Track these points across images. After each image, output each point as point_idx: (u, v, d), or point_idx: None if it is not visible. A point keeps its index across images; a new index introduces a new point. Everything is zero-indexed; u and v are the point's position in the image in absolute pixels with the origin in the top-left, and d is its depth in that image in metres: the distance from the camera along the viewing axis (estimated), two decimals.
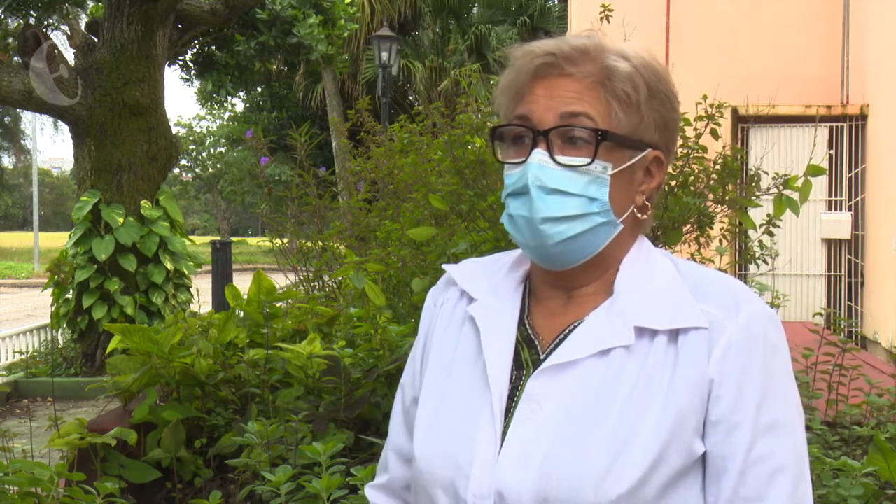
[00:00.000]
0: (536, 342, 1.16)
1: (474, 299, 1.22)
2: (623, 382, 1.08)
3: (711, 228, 3.70)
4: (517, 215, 1.13)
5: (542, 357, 1.14)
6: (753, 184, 3.73)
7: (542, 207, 1.11)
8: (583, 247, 1.13)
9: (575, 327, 1.14)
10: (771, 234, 3.63)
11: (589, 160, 1.10)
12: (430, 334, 1.27)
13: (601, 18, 3.82)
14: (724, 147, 3.76)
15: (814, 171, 3.15)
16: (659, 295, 1.13)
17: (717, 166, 3.69)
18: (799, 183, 3.20)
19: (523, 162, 1.12)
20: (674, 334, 1.10)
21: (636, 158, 1.13)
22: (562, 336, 1.15)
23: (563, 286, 1.18)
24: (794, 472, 1.08)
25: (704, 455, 1.08)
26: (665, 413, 1.06)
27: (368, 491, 1.35)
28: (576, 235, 1.11)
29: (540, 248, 1.13)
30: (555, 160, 1.11)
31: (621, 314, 1.11)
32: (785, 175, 3.30)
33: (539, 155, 1.11)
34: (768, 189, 3.47)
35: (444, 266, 1.31)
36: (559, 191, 1.11)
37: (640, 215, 1.16)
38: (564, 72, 1.12)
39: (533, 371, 1.13)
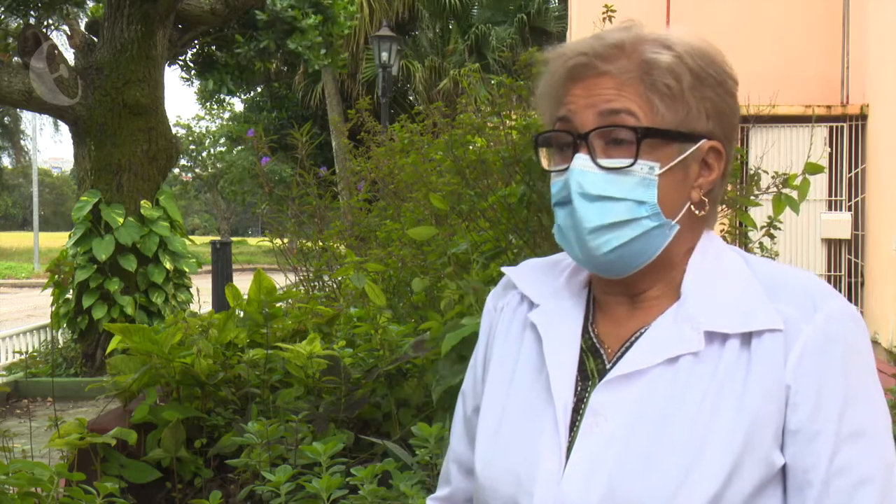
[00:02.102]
0: (602, 351, 1.10)
1: (535, 304, 1.16)
2: (693, 391, 1.01)
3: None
4: (564, 226, 1.08)
5: (607, 367, 1.08)
6: (753, 183, 3.73)
7: (587, 216, 1.05)
8: (637, 253, 1.06)
9: (641, 334, 1.08)
10: (772, 237, 3.63)
11: (631, 161, 1.04)
12: (490, 340, 1.22)
13: (604, 19, 3.82)
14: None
15: (812, 169, 3.15)
16: (730, 296, 1.05)
17: None
18: (798, 181, 3.20)
19: (566, 169, 1.06)
20: (746, 338, 1.03)
21: (688, 152, 1.06)
22: (627, 344, 1.08)
23: (624, 292, 1.11)
24: (881, 484, 1.01)
25: (785, 467, 1.02)
26: (739, 423, 0.99)
27: (430, 503, 1.29)
28: (627, 243, 1.05)
29: (591, 260, 1.07)
30: (597, 164, 1.05)
31: (689, 318, 1.05)
32: (784, 174, 3.30)
33: (580, 161, 1.05)
34: (767, 188, 3.47)
35: (504, 269, 1.24)
36: (603, 197, 1.04)
37: (697, 212, 1.09)
38: (599, 70, 1.06)
39: (598, 381, 1.07)
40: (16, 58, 8.88)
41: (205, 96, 25.53)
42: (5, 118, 36.37)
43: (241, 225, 48.98)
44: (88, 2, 10.79)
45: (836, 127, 10.05)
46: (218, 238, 17.71)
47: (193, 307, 9.08)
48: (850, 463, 1.00)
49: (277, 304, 3.62)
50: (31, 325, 10.54)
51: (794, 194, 3.19)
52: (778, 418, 1.01)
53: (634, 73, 1.05)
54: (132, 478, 3.15)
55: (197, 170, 33.83)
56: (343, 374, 3.16)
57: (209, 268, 11.76)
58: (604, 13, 3.86)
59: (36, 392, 8.74)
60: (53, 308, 9.06)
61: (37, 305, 15.74)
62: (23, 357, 9.30)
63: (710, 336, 1.03)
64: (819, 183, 10.05)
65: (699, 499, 0.97)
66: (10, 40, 10.04)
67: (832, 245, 10.11)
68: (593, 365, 1.09)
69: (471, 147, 3.70)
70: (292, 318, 3.78)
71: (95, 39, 9.02)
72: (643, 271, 1.08)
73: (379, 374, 3.14)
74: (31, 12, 9.99)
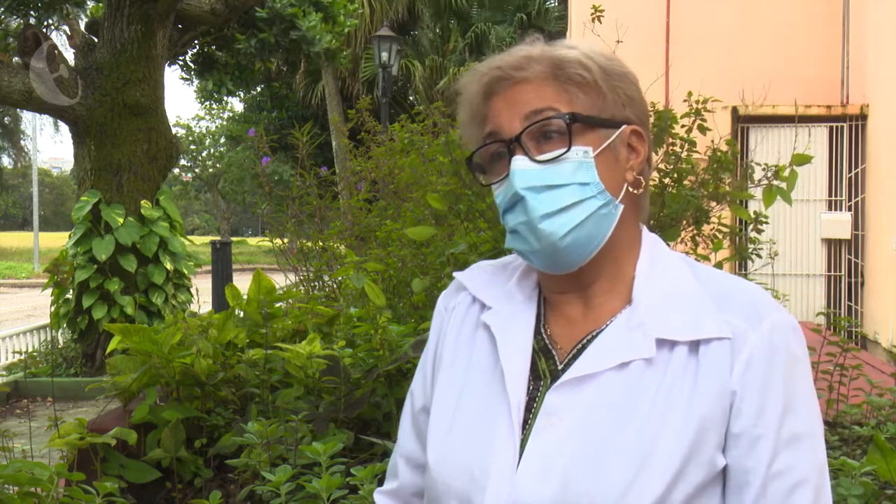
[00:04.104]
0: (554, 352, 1.14)
1: (487, 306, 1.20)
2: (643, 396, 1.06)
3: (708, 223, 3.70)
4: (516, 225, 1.11)
5: (559, 368, 1.12)
6: (747, 177, 3.74)
7: (538, 206, 1.09)
8: (589, 236, 1.10)
9: (594, 337, 1.12)
10: (759, 231, 3.63)
11: (566, 148, 1.09)
12: (441, 340, 1.25)
13: (593, 20, 3.82)
14: (712, 141, 3.76)
15: (799, 160, 3.15)
16: (680, 303, 1.10)
17: (708, 159, 3.69)
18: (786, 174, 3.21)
19: (506, 176, 1.11)
20: (694, 345, 1.07)
21: (613, 136, 1.12)
22: (580, 346, 1.12)
23: (575, 287, 1.15)
24: (815, 485, 1.07)
25: (725, 468, 1.07)
26: (686, 426, 1.04)
27: (377, 497, 1.33)
28: (579, 225, 1.09)
29: (549, 249, 1.10)
30: (535, 160, 1.10)
31: (641, 325, 1.09)
32: (775, 166, 3.31)
33: (519, 161, 1.10)
34: (759, 181, 3.48)
35: (455, 273, 1.29)
36: (548, 186, 1.09)
37: (634, 190, 1.14)
38: (515, 79, 1.11)
39: (551, 382, 1.11)
40: (16, 58, 8.88)
41: (204, 95, 25.53)
42: (5, 118, 36.38)
43: (241, 225, 48.99)
44: (88, 2, 10.79)
45: (836, 127, 10.05)
46: (218, 238, 17.71)
47: (193, 307, 9.09)
48: (789, 466, 1.06)
49: (277, 304, 3.62)
50: (31, 325, 10.55)
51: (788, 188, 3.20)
52: (722, 422, 1.05)
53: (548, 72, 1.11)
54: (132, 478, 3.16)
55: (196, 170, 33.85)
56: (343, 374, 3.16)
57: (209, 268, 11.77)
58: (592, 14, 3.86)
59: (36, 392, 8.74)
60: (53, 308, 9.06)
61: (37, 305, 15.75)
62: (23, 357, 9.30)
63: (661, 343, 1.08)
64: (819, 183, 10.06)
65: (648, 498, 1.02)
66: (10, 40, 10.04)
67: (832, 245, 10.10)
68: (545, 366, 1.13)
69: None
70: (292, 318, 3.78)
71: (95, 39, 9.02)
72: (593, 262, 1.12)
73: (379, 374, 3.14)
74: (31, 12, 9.99)
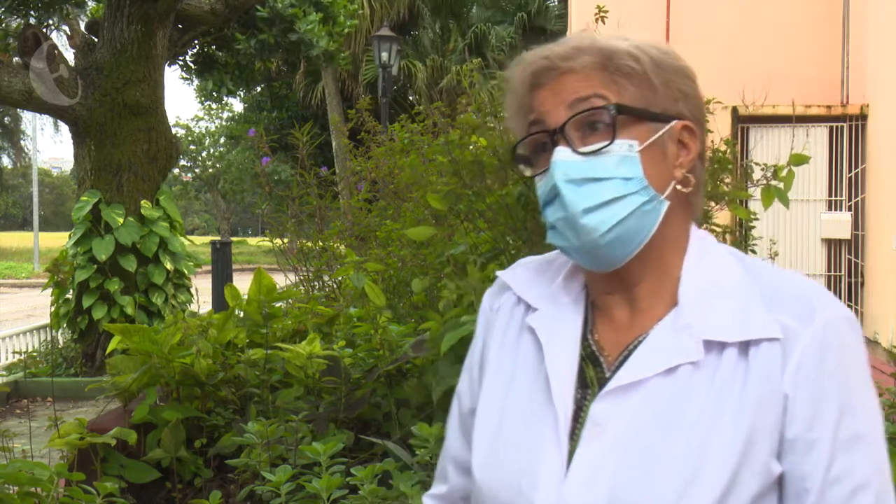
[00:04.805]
0: (601, 359, 1.10)
1: (532, 307, 1.16)
2: (691, 402, 1.01)
3: (708, 223, 3.70)
4: (556, 220, 1.07)
5: (607, 376, 1.08)
6: (746, 177, 3.73)
7: (577, 200, 1.04)
8: (632, 232, 1.05)
9: (640, 342, 1.07)
10: (748, 231, 3.63)
11: (609, 141, 1.04)
12: (486, 342, 1.21)
13: (597, 20, 3.82)
14: (712, 142, 3.76)
15: (797, 160, 3.15)
16: (727, 302, 1.05)
17: (708, 160, 3.69)
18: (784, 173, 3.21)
19: (548, 168, 1.07)
20: (744, 346, 1.02)
21: (662, 131, 1.07)
22: (626, 353, 1.08)
23: (621, 287, 1.10)
24: (877, 489, 1.01)
25: (781, 475, 1.02)
26: (737, 433, 0.99)
27: (427, 501, 1.29)
28: (621, 221, 1.04)
29: (589, 246, 1.05)
30: (578, 152, 1.05)
31: (687, 327, 1.04)
32: (773, 166, 3.31)
33: (561, 153, 1.05)
34: (757, 182, 3.47)
35: (498, 273, 1.24)
36: (589, 179, 1.04)
37: (682, 188, 1.08)
38: (562, 69, 1.07)
39: (598, 390, 1.07)
40: (16, 58, 8.88)
41: (204, 94, 25.53)
42: (5, 118, 36.38)
43: (241, 225, 48.99)
44: (88, 2, 10.79)
45: (836, 127, 10.05)
46: (218, 238, 17.71)
47: (193, 307, 9.09)
48: (847, 470, 1.01)
49: (277, 304, 3.62)
50: (31, 325, 10.54)
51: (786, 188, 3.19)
52: (775, 428, 1.01)
53: (596, 63, 1.06)
54: (132, 478, 3.15)
55: (197, 170, 33.85)
56: (343, 374, 3.16)
57: (209, 268, 11.77)
58: (596, 14, 3.86)
59: (36, 392, 8.74)
60: (53, 308, 9.06)
61: (37, 305, 15.75)
62: (23, 357, 9.30)
63: (709, 345, 1.03)
64: (819, 183, 10.06)
65: None
66: (10, 40, 10.04)
67: (832, 245, 10.10)
68: (593, 373, 1.09)
69: (470, 147, 3.70)
70: (292, 318, 3.78)
71: (95, 39, 9.01)
72: (638, 259, 1.07)
73: (379, 374, 3.14)
74: (31, 12, 9.99)
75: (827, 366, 1.01)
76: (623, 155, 1.05)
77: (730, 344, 1.02)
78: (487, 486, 1.10)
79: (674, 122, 1.08)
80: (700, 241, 1.11)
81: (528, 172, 1.14)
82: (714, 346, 1.03)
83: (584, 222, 1.04)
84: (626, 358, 1.07)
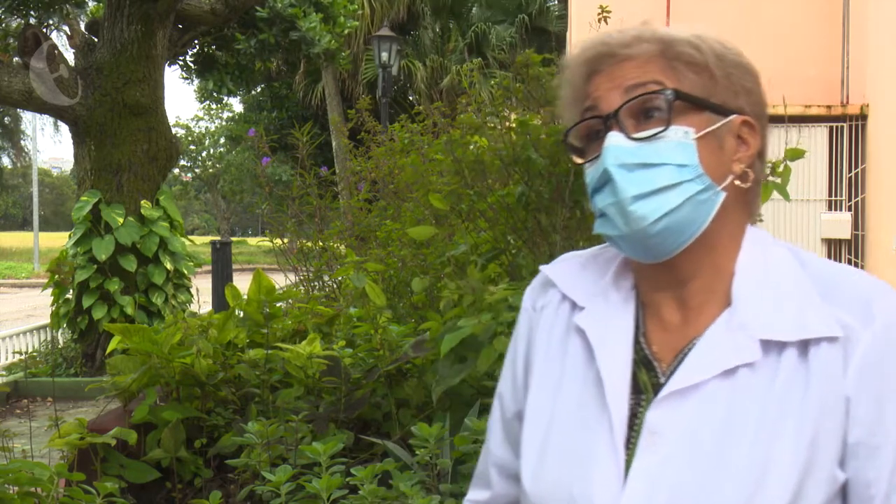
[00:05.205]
0: (655, 363, 1.04)
1: (578, 305, 1.10)
2: (751, 406, 0.96)
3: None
4: (605, 207, 1.02)
5: (661, 380, 1.02)
6: None
7: (628, 186, 0.99)
8: (685, 223, 1.00)
9: (694, 345, 1.02)
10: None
11: (664, 126, 1.00)
12: (531, 342, 1.15)
13: (599, 20, 3.82)
14: None
15: (792, 154, 3.15)
16: (784, 300, 1.00)
17: None
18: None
19: (599, 154, 1.02)
20: (804, 346, 0.97)
21: (720, 123, 1.02)
22: (681, 356, 1.03)
23: (672, 283, 1.05)
24: None
25: (845, 483, 0.97)
26: (800, 438, 0.94)
27: None
28: (674, 210, 0.99)
29: (639, 235, 1.00)
30: (631, 138, 1.01)
31: (743, 326, 0.99)
32: (770, 163, 3.31)
33: (614, 137, 1.01)
34: None
35: (542, 267, 1.18)
36: (642, 164, 1.00)
37: (740, 184, 1.03)
38: (621, 56, 1.03)
39: (653, 395, 1.02)
40: (16, 58, 8.89)
41: (204, 94, 25.55)
42: (5, 118, 36.38)
43: (241, 225, 49.00)
44: (88, 2, 10.80)
45: (836, 127, 10.05)
46: (218, 238, 17.71)
47: (193, 307, 9.09)
48: None
49: (277, 304, 3.62)
50: (31, 325, 10.54)
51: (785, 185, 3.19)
52: (838, 433, 0.96)
53: (656, 51, 1.03)
54: (132, 478, 3.15)
55: (197, 170, 33.87)
56: (343, 374, 3.16)
57: (209, 268, 11.76)
58: (599, 14, 3.85)
59: (36, 392, 8.74)
60: (53, 308, 9.06)
61: (37, 305, 15.75)
62: (23, 357, 9.30)
63: (766, 345, 0.98)
64: (819, 183, 10.06)
65: None
66: (11, 40, 10.04)
67: (832, 245, 10.11)
68: (646, 378, 1.04)
69: (471, 147, 3.70)
70: (292, 318, 3.78)
71: (95, 39, 9.02)
72: (690, 253, 1.02)
73: (379, 374, 3.14)
74: (31, 12, 9.99)
75: (889, 367, 0.97)
76: (678, 141, 1.00)
77: (788, 344, 0.98)
78: (538, 498, 1.05)
79: (733, 116, 1.04)
80: (756, 239, 1.06)
81: (578, 161, 1.09)
82: (772, 347, 0.98)
83: (633, 209, 0.99)
84: (680, 361, 1.02)
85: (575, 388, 1.06)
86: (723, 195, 1.02)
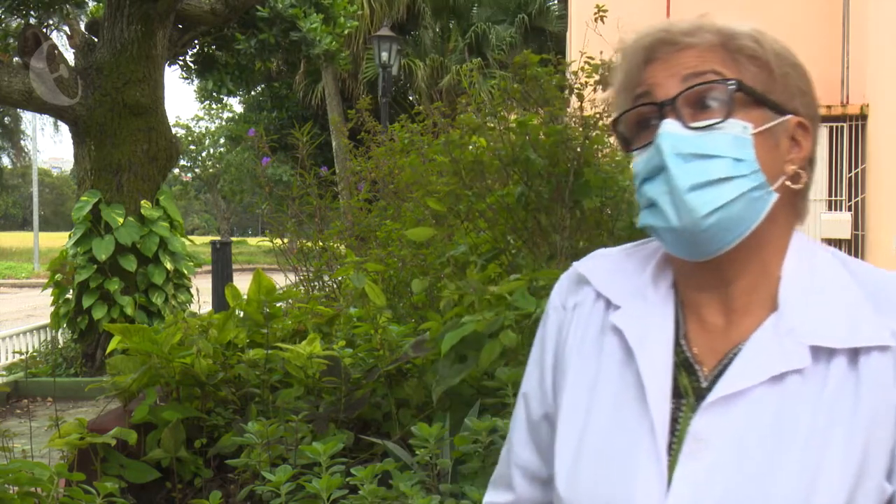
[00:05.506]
0: (696, 367, 1.01)
1: (613, 304, 1.07)
2: (800, 415, 0.93)
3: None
4: (656, 197, 0.98)
5: (703, 384, 0.99)
6: None
7: (684, 176, 0.96)
8: (736, 220, 0.96)
9: (739, 350, 0.99)
10: None
11: (723, 118, 0.97)
12: (561, 343, 1.10)
13: (596, 19, 3.82)
14: None
15: None
16: (833, 306, 0.97)
17: None
18: None
19: (651, 142, 0.99)
20: (853, 354, 0.94)
21: (776, 122, 0.99)
22: (725, 361, 0.99)
23: (716, 283, 1.01)
24: None
25: (892, 497, 0.94)
26: (851, 449, 0.92)
27: None
28: (727, 204, 0.95)
29: (689, 228, 0.96)
30: (688, 127, 0.97)
31: (791, 331, 0.96)
32: None
33: (669, 125, 0.97)
34: None
35: (575, 264, 1.13)
36: (698, 155, 0.96)
37: (792, 185, 1.00)
38: (681, 44, 1.00)
39: (694, 400, 0.98)
40: (16, 58, 8.89)
41: (204, 94, 25.54)
42: (5, 118, 36.39)
43: (241, 225, 49.00)
44: (88, 2, 10.80)
45: (836, 127, 10.06)
46: (218, 238, 17.71)
47: (193, 307, 9.09)
48: None
49: (277, 304, 3.62)
50: (31, 325, 10.54)
51: None
52: (888, 443, 0.94)
53: (717, 41, 1.00)
54: (132, 478, 3.16)
55: (197, 170, 33.88)
56: (343, 374, 3.16)
57: (209, 268, 11.76)
58: (596, 14, 3.85)
59: (36, 392, 8.74)
60: (53, 308, 9.06)
61: (37, 305, 15.75)
62: (23, 357, 9.30)
63: (815, 351, 0.95)
64: (819, 183, 10.06)
65: None
66: (11, 40, 10.04)
67: (832, 245, 10.09)
68: (687, 381, 1.00)
69: (470, 147, 3.70)
70: (292, 318, 3.78)
71: (95, 39, 9.02)
72: (737, 252, 0.99)
73: (379, 374, 3.15)
74: (31, 12, 9.99)
75: None
76: (736, 135, 0.97)
77: (838, 351, 0.95)
78: (573, 502, 1.02)
79: (789, 116, 1.01)
80: (801, 243, 1.04)
81: (626, 148, 1.05)
82: (821, 353, 0.95)
83: (687, 199, 0.96)
84: (724, 367, 0.99)
85: (611, 389, 1.03)
86: (775, 196, 0.99)
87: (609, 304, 1.07)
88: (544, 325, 1.14)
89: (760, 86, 0.99)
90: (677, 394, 1.00)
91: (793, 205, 1.03)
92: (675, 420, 0.98)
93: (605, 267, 1.10)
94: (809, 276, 1.00)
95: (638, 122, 1.02)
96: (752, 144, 0.97)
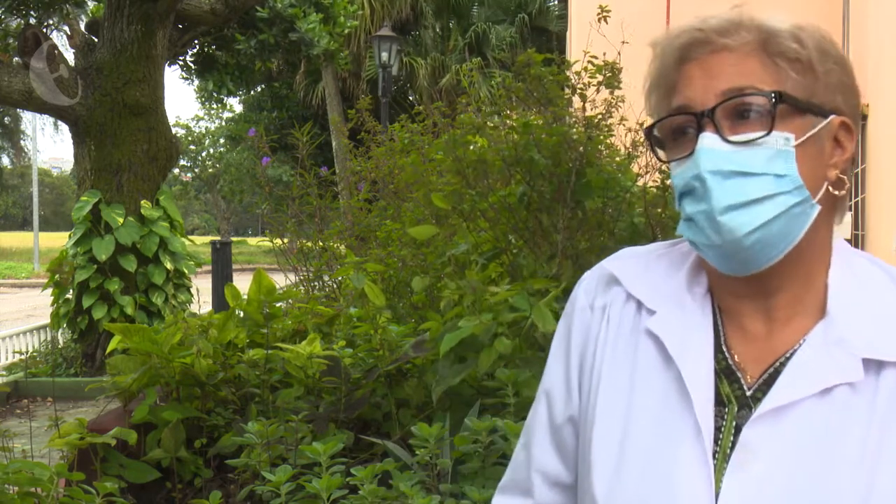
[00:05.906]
0: (739, 375, 0.98)
1: (647, 308, 1.03)
2: (852, 430, 0.90)
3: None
4: (695, 213, 0.95)
5: (747, 394, 0.96)
6: None
7: (722, 194, 0.92)
8: (779, 236, 0.93)
9: (787, 359, 0.96)
10: None
11: (765, 132, 0.92)
12: (589, 343, 1.07)
13: (599, 20, 3.81)
14: None
15: None
16: (882, 317, 0.94)
17: None
18: None
19: (690, 154, 0.95)
20: None
21: (820, 126, 0.95)
22: (771, 370, 0.96)
23: (758, 294, 0.98)
24: None
25: None
26: None
27: None
28: (768, 222, 0.92)
29: (730, 247, 0.94)
30: (727, 140, 0.93)
31: (841, 342, 0.93)
32: None
33: (708, 139, 0.93)
34: None
35: (604, 263, 1.10)
36: (738, 172, 0.92)
37: (835, 191, 0.97)
38: (717, 46, 0.96)
39: (737, 409, 0.96)
40: (16, 58, 8.88)
41: (205, 96, 25.55)
42: (5, 118, 36.38)
43: (241, 225, 49.01)
44: (88, 2, 10.79)
45: None
46: (218, 238, 17.71)
47: (193, 307, 9.09)
48: None
49: (277, 304, 3.62)
50: (31, 325, 10.54)
51: None
52: None
53: (755, 42, 0.95)
54: (132, 478, 3.15)
55: (196, 170, 33.89)
56: (343, 374, 3.16)
57: (209, 268, 11.77)
58: (599, 14, 3.85)
59: (36, 392, 8.74)
60: (53, 308, 9.06)
61: (37, 305, 15.74)
62: (23, 357, 9.30)
63: (866, 364, 0.92)
64: None
65: None
66: (10, 40, 10.04)
67: None
68: (729, 389, 0.98)
69: (471, 147, 3.70)
70: (292, 318, 3.78)
71: (95, 39, 9.02)
72: (781, 265, 0.96)
73: (379, 374, 3.14)
74: (31, 12, 9.99)
75: None
76: (778, 149, 0.93)
77: (887, 363, 0.92)
78: None
79: (832, 117, 0.97)
80: (841, 249, 1.01)
81: (661, 155, 1.02)
82: (871, 366, 0.92)
83: (724, 220, 0.93)
84: (771, 376, 0.96)
85: (650, 396, 1.00)
86: (817, 209, 0.96)
87: (640, 306, 1.04)
88: (569, 323, 1.11)
89: (802, 91, 0.95)
90: (719, 401, 0.97)
91: (833, 207, 1.00)
92: (718, 429, 0.96)
93: (635, 268, 1.07)
94: (856, 285, 0.98)
95: (672, 129, 0.99)
96: (794, 157, 0.94)
